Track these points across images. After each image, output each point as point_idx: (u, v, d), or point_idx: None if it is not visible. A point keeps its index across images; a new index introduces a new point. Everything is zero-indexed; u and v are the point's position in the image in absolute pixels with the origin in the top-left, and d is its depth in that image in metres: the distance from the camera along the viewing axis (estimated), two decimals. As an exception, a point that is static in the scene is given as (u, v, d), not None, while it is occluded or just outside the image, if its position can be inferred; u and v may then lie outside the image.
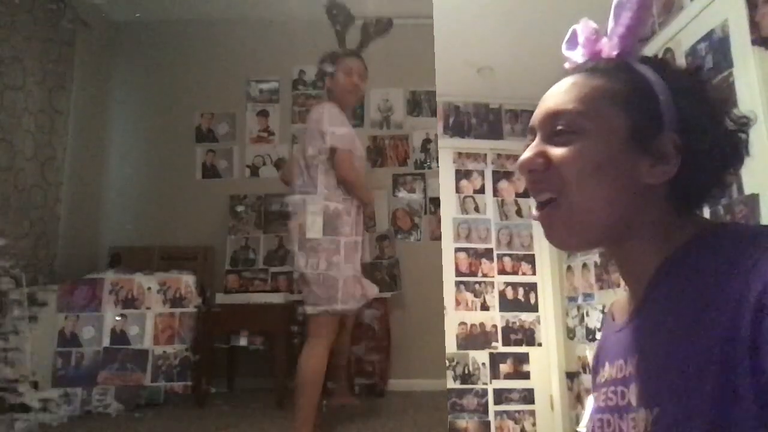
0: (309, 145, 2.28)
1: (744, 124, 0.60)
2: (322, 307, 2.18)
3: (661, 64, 0.63)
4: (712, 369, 0.46)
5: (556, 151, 0.61)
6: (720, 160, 0.59)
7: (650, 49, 2.26)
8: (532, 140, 0.66)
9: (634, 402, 0.56)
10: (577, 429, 3.01)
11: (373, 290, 2.41)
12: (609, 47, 0.65)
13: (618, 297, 0.70)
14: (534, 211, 0.65)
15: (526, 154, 0.64)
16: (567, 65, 0.70)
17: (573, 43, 0.70)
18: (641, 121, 0.59)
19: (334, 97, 2.39)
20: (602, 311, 2.99)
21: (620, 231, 0.60)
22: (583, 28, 0.68)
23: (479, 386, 3.44)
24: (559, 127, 0.62)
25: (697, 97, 0.60)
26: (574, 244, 0.64)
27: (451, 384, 3.41)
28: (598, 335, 3.02)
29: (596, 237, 0.62)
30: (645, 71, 0.61)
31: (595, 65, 0.64)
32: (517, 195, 3.74)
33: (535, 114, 0.66)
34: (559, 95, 0.64)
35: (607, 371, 0.64)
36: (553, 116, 0.63)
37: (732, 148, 0.59)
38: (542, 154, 0.63)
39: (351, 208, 2.33)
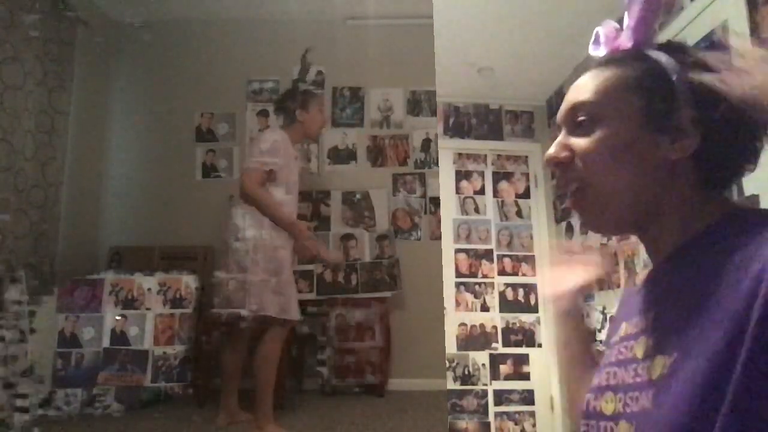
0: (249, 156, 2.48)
1: None
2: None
3: (674, 46, 0.66)
4: (726, 329, 0.48)
5: (579, 142, 0.65)
6: (742, 129, 0.60)
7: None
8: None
9: (645, 353, 0.58)
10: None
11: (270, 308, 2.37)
12: (624, 40, 0.69)
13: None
14: (567, 202, 0.69)
15: (551, 149, 0.68)
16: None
17: (597, 43, 0.74)
18: (655, 100, 0.62)
19: (301, 127, 2.58)
20: (602, 312, 2.99)
21: (649, 211, 0.63)
22: (604, 28, 0.72)
23: (479, 387, 3.44)
24: (580, 118, 0.66)
25: (708, 71, 0.61)
26: (606, 226, 0.69)
27: (451, 385, 3.41)
28: (599, 336, 3.02)
29: (627, 218, 0.65)
30: (657, 56, 0.64)
31: (609, 57, 0.69)
32: (518, 196, 3.74)
33: (559, 111, 0.71)
34: (577, 89, 0.68)
35: (623, 329, 0.67)
36: (573, 109, 0.67)
37: (754, 116, 0.60)
38: (566, 147, 0.67)
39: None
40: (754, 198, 1.74)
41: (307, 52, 2.88)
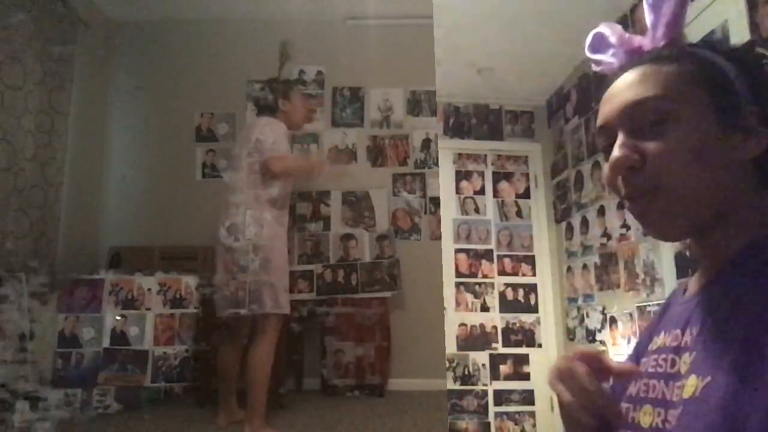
0: (249, 154, 2.47)
1: None
2: None
3: (716, 44, 0.64)
4: None
5: (652, 146, 0.59)
6: None
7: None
8: (607, 141, 0.64)
9: (683, 371, 0.56)
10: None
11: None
12: (655, 38, 0.65)
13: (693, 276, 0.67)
14: (627, 205, 0.63)
15: (617, 152, 0.61)
16: (597, 68, 0.70)
17: (598, 46, 0.70)
18: (722, 98, 0.59)
19: (285, 117, 2.59)
20: (602, 312, 2.99)
21: (717, 213, 0.59)
22: (611, 30, 0.68)
23: (479, 387, 3.43)
24: (651, 118, 0.59)
25: (760, 68, 0.60)
26: (675, 232, 0.62)
27: (451, 385, 3.41)
28: (599, 336, 3.02)
29: (697, 221, 0.60)
30: (705, 53, 0.61)
31: (658, 54, 0.63)
32: (518, 196, 3.74)
33: (606, 112, 0.64)
34: (633, 87, 0.61)
35: (661, 339, 0.64)
36: (636, 107, 0.60)
37: None
38: (636, 150, 0.60)
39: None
40: None
41: (284, 46, 2.86)
